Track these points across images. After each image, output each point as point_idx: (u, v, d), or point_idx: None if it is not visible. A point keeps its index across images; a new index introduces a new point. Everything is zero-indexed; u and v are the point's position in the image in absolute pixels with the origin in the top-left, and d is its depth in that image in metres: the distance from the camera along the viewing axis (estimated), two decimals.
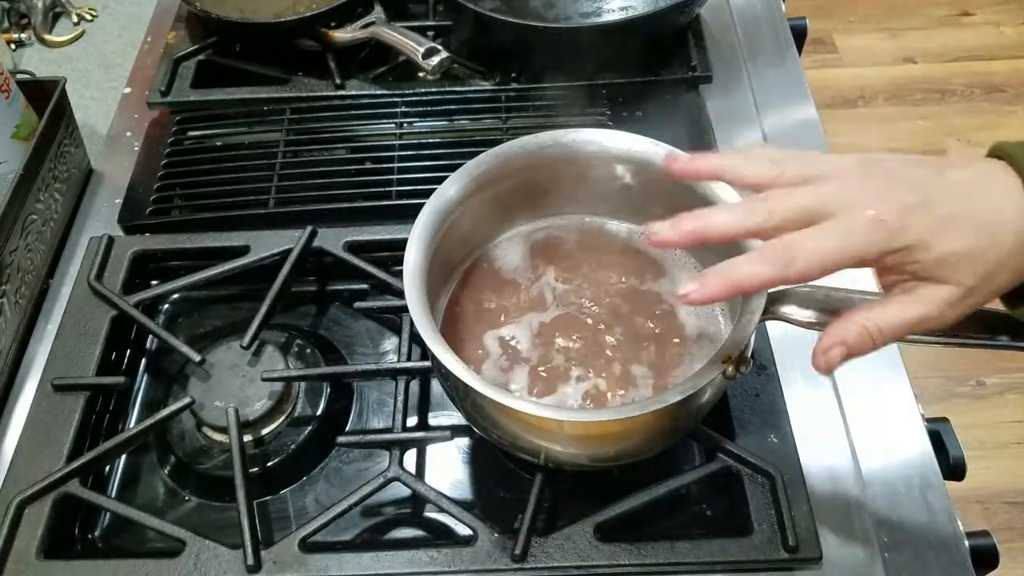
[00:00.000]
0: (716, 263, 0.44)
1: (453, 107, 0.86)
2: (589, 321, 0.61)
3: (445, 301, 0.62)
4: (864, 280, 0.72)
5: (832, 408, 0.65)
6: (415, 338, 0.68)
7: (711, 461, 0.60)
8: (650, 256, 0.64)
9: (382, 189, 0.79)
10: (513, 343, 0.60)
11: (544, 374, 0.58)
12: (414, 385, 0.67)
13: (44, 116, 0.77)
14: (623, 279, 0.63)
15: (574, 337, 0.60)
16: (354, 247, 0.73)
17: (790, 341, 0.68)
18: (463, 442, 0.66)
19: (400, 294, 0.70)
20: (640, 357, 0.59)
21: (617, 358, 0.59)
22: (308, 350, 0.70)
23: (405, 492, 0.62)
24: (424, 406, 0.68)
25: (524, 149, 0.61)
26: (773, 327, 0.68)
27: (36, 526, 0.59)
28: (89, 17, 1.02)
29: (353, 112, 0.86)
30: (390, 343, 0.72)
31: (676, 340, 0.59)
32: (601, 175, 0.62)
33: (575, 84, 0.86)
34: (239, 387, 0.65)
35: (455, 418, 0.68)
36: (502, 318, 0.61)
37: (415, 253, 0.56)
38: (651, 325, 0.60)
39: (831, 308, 0.50)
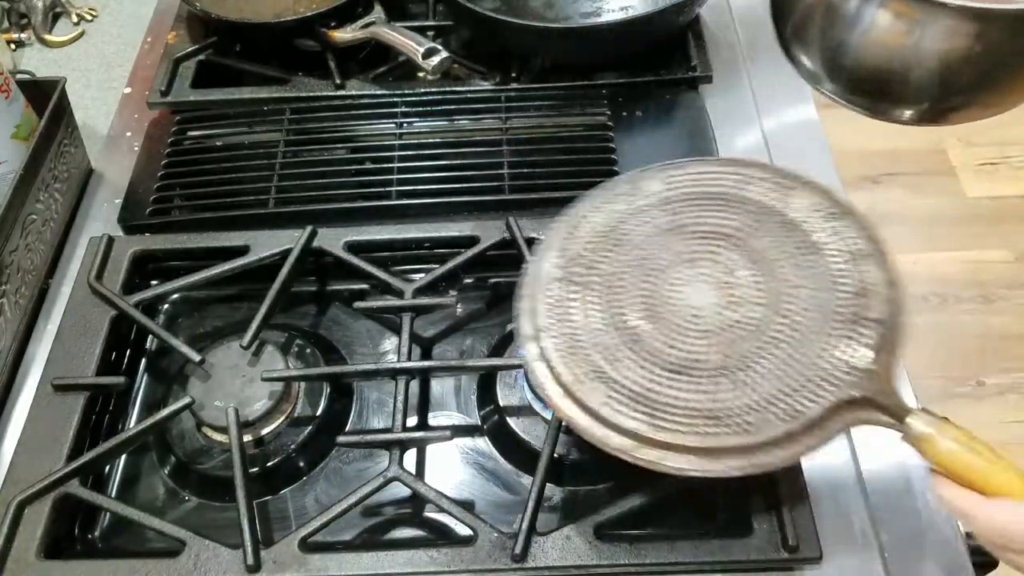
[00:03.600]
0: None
1: (453, 107, 0.86)
2: None
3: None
4: None
5: None
6: (415, 338, 0.68)
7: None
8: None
9: (382, 189, 0.79)
10: None
11: None
12: (414, 385, 0.67)
13: (44, 116, 0.77)
14: None
15: None
16: (354, 247, 0.73)
17: None
18: (463, 442, 0.66)
19: (400, 294, 0.70)
20: None
21: None
22: (308, 350, 0.70)
23: (405, 492, 0.62)
24: (424, 406, 0.68)
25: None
26: None
27: (36, 526, 0.59)
28: (89, 17, 1.02)
29: (353, 112, 0.86)
30: (390, 343, 0.72)
31: None
32: None
33: (575, 84, 0.86)
34: (239, 387, 0.65)
35: (455, 418, 0.68)
36: None
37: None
38: None
39: None
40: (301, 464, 0.65)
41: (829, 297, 0.50)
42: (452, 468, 0.65)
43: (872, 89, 0.60)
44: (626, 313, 0.52)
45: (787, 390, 0.48)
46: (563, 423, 0.61)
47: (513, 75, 0.87)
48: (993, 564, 0.60)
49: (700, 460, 0.48)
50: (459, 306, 0.73)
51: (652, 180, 0.58)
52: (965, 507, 0.46)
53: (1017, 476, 0.45)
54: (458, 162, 0.81)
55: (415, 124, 0.85)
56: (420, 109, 0.86)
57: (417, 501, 0.63)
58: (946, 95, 0.57)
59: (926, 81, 0.56)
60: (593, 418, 0.50)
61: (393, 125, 0.85)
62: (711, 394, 0.48)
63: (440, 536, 0.62)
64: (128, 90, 0.92)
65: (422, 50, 0.83)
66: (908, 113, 0.60)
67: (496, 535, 0.57)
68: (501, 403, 0.66)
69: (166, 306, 0.76)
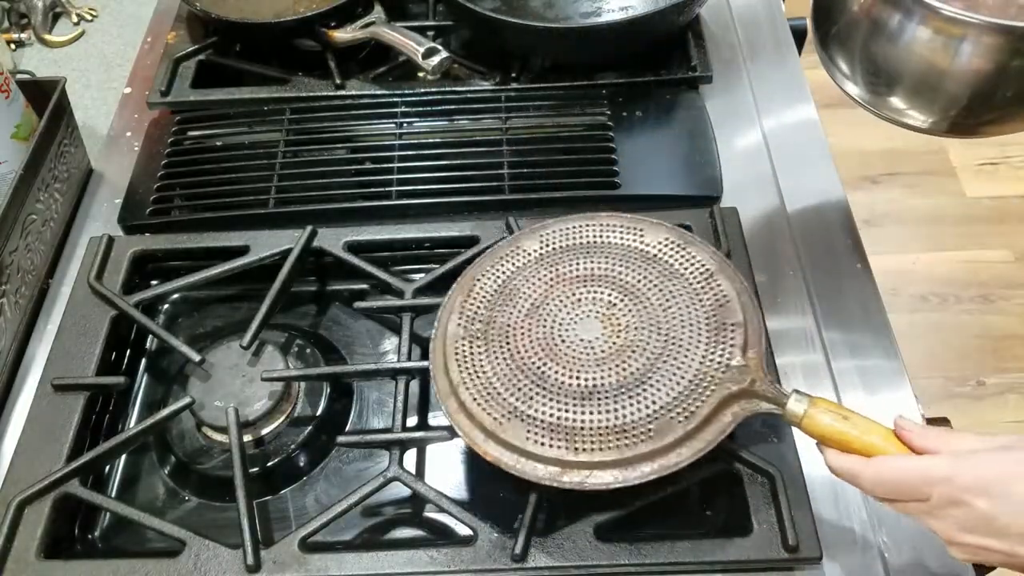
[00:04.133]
0: None
1: (453, 107, 0.86)
2: None
3: None
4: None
5: None
6: (415, 338, 0.68)
7: (711, 461, 0.60)
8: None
9: (382, 189, 0.79)
10: None
11: None
12: (414, 385, 0.67)
13: (44, 116, 0.77)
14: None
15: None
16: (354, 247, 0.73)
17: (790, 339, 0.68)
18: (463, 442, 0.66)
19: (400, 294, 0.70)
20: None
21: None
22: (308, 350, 0.70)
23: (405, 492, 0.62)
24: (424, 406, 0.68)
25: None
26: (773, 325, 0.68)
27: (36, 526, 0.59)
28: (89, 17, 1.02)
29: (353, 112, 0.86)
30: (390, 343, 0.72)
31: None
32: None
33: (575, 84, 0.86)
34: (239, 387, 0.65)
35: None
36: None
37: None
38: None
39: None
40: (301, 464, 0.65)
41: (695, 312, 0.58)
42: (452, 468, 0.65)
43: (906, 99, 0.62)
44: (529, 356, 0.58)
45: (679, 396, 0.54)
46: None
47: (513, 75, 0.87)
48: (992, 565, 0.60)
49: (619, 472, 0.53)
50: None
51: (529, 240, 0.65)
52: (851, 469, 0.50)
53: (888, 437, 0.50)
54: (458, 162, 0.81)
55: (415, 124, 0.85)
56: (420, 109, 0.86)
57: (417, 501, 0.63)
58: (982, 110, 0.60)
59: (962, 95, 0.59)
60: (518, 454, 0.55)
61: (393, 125, 0.85)
62: (616, 412, 0.54)
63: (440, 536, 0.62)
64: (128, 90, 0.92)
65: (422, 50, 0.83)
66: (941, 124, 0.62)
67: (496, 535, 0.57)
68: None
69: (166, 306, 0.76)
